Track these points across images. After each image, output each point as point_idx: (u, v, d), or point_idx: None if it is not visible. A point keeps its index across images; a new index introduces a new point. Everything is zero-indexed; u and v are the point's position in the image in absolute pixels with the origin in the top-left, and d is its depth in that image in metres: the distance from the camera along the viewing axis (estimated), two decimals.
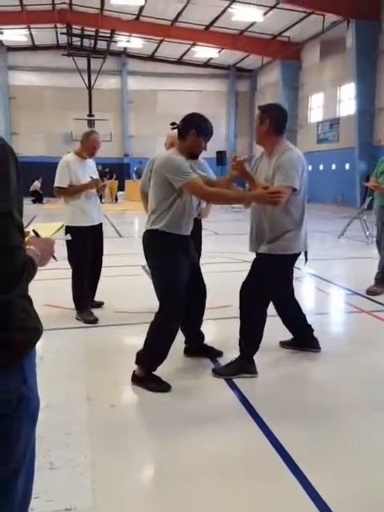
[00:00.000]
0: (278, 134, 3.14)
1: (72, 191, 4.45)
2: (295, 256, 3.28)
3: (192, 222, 3.23)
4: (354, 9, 16.60)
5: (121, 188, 21.80)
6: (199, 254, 4.18)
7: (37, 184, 22.40)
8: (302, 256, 3.35)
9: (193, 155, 3.10)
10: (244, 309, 3.27)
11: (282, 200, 2.94)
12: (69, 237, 4.41)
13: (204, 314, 3.54)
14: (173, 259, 3.08)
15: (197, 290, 3.39)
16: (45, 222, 10.45)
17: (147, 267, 3.31)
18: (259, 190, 2.99)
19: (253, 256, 3.38)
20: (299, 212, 3.18)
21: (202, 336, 3.64)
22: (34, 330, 1.41)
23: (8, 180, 1.24)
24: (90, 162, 4.68)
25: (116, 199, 21.24)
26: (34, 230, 1.53)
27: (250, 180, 3.13)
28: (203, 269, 3.55)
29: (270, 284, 3.25)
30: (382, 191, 5.42)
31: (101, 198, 4.79)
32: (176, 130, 3.17)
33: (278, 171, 3.03)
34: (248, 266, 3.33)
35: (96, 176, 4.66)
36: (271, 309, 3.73)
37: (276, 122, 3.12)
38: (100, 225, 4.72)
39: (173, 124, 3.20)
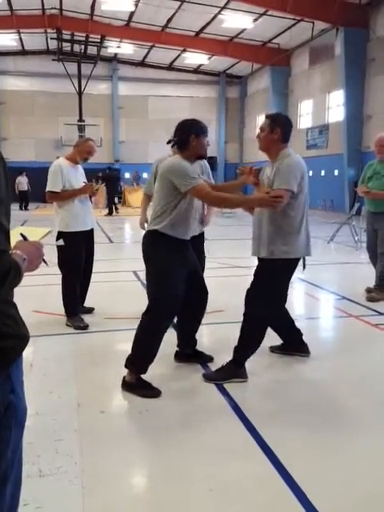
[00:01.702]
0: (285, 142, 3.27)
1: (65, 196, 4.43)
2: (295, 261, 3.32)
3: (193, 229, 3.28)
4: (343, 16, 16.79)
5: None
6: (202, 266, 4.20)
7: (21, 180, 19.99)
8: (300, 262, 3.38)
9: (200, 157, 3.20)
10: (246, 314, 3.32)
11: (282, 203, 3.06)
12: (61, 242, 4.41)
13: (202, 319, 3.57)
14: (167, 259, 3.12)
15: (197, 296, 3.41)
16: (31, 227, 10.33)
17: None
18: (262, 194, 3.18)
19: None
20: (299, 215, 3.25)
21: (194, 341, 3.66)
22: (22, 336, 1.39)
23: None
24: (80, 168, 4.68)
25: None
26: (21, 234, 1.49)
27: (258, 187, 3.33)
28: None
29: (271, 289, 3.29)
30: (372, 197, 5.28)
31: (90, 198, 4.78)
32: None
33: (276, 176, 3.17)
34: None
35: (86, 181, 4.66)
36: None
37: (285, 132, 3.26)
38: (91, 230, 4.72)
39: (169, 142, 3.24)
